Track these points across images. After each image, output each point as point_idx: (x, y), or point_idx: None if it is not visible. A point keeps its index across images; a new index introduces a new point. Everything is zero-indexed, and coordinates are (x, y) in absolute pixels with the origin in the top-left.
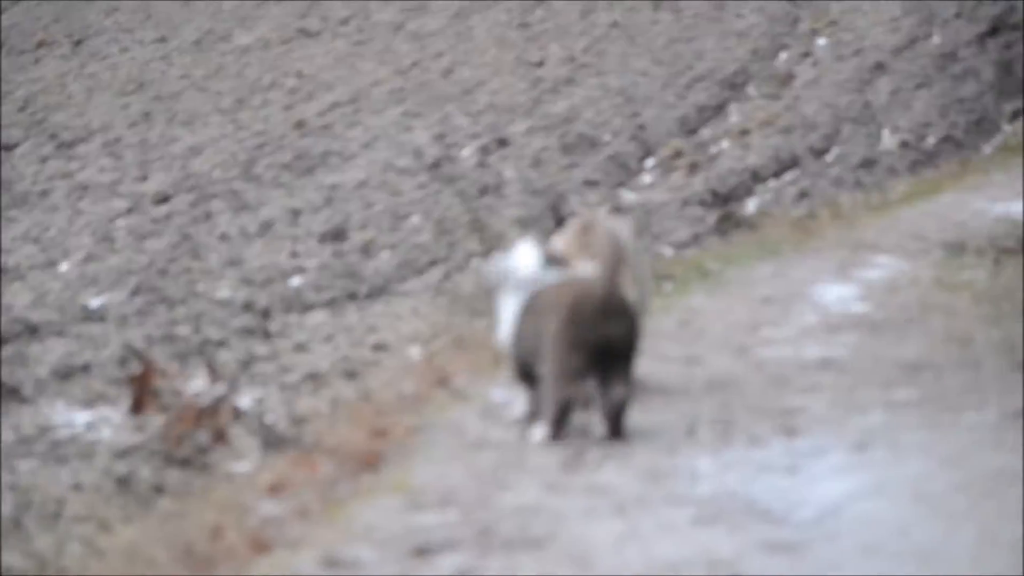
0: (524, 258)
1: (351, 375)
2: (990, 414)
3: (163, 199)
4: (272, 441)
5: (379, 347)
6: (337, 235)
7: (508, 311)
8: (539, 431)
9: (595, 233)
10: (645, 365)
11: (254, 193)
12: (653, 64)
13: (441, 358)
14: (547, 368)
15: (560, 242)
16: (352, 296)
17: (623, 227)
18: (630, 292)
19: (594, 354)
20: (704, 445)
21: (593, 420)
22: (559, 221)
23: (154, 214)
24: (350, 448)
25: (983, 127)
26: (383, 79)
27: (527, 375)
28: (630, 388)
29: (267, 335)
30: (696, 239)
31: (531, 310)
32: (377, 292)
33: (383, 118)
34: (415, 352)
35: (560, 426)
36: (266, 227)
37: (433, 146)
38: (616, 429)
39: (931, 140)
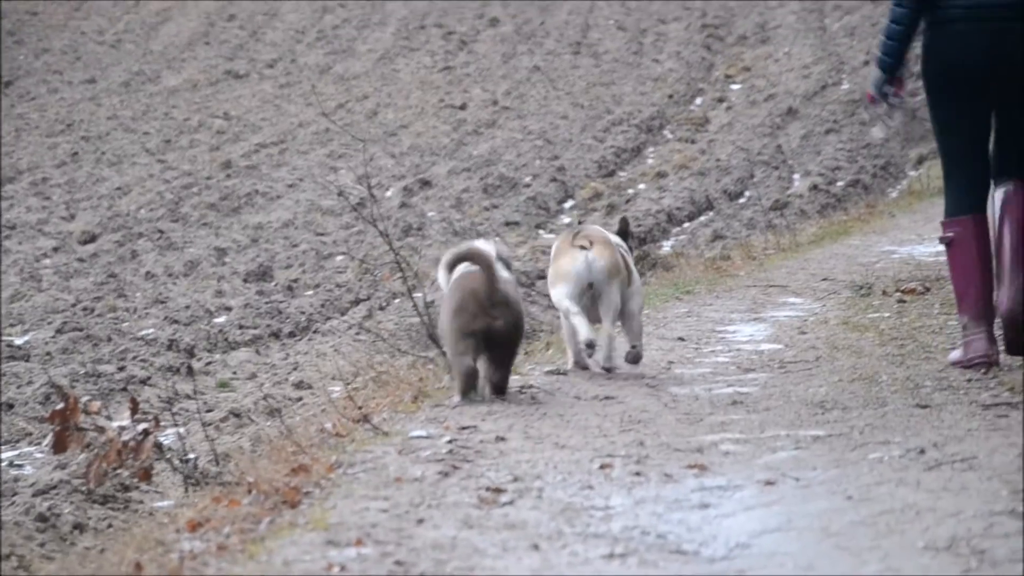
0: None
1: (273, 412)
2: (894, 451)
3: (90, 238)
4: (194, 478)
5: (301, 385)
6: (262, 274)
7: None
8: (454, 399)
9: (585, 234)
10: (563, 402)
11: (180, 233)
12: (573, 108)
13: (362, 395)
14: (447, 349)
15: (563, 241)
16: (276, 334)
17: (610, 231)
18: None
19: (480, 341)
20: (618, 482)
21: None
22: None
23: (80, 253)
24: (271, 485)
25: (889, 172)
26: (309, 121)
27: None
28: (508, 367)
29: (191, 373)
30: None
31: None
32: (300, 330)
33: (309, 159)
34: (336, 389)
35: (465, 394)
36: (192, 266)
37: (357, 186)
38: (500, 390)
39: (840, 184)
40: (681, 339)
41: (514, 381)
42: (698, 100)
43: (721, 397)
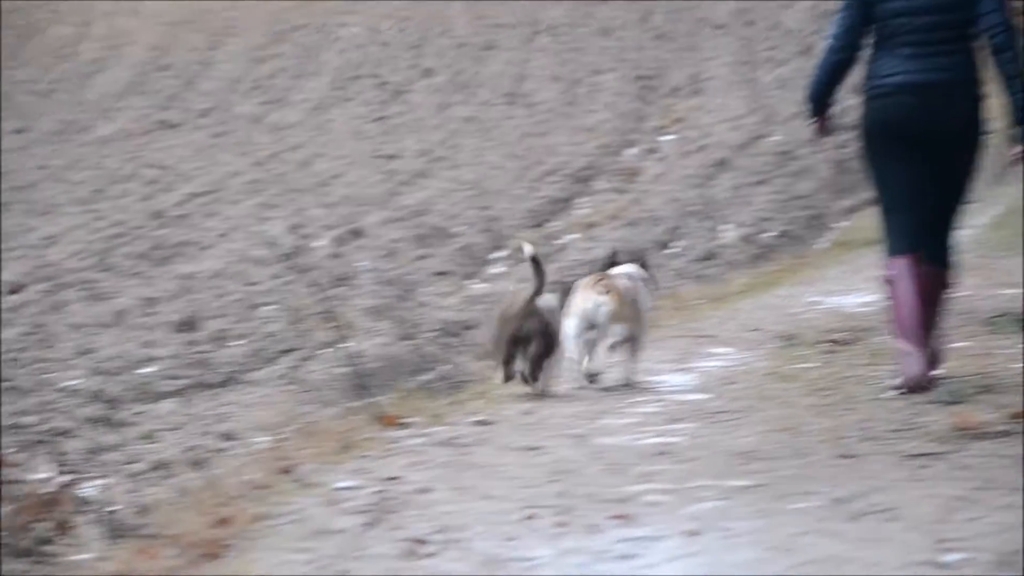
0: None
1: (198, 464)
2: (818, 502)
3: (17, 289)
4: (116, 530)
5: (227, 436)
6: (190, 324)
7: None
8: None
9: (607, 279)
10: (489, 453)
11: (109, 282)
12: (505, 158)
13: (288, 446)
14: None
15: (585, 282)
16: (203, 385)
17: (633, 272)
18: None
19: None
20: (542, 533)
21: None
22: (612, 264)
23: (7, 303)
24: (194, 537)
25: (818, 223)
26: (241, 170)
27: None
28: (536, 358)
29: (116, 424)
30: None
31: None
32: (228, 381)
33: (240, 209)
34: (263, 440)
35: (506, 375)
36: (120, 316)
37: (288, 236)
38: (535, 375)
39: (770, 235)
40: (609, 389)
41: (440, 432)
42: (630, 150)
43: (647, 447)
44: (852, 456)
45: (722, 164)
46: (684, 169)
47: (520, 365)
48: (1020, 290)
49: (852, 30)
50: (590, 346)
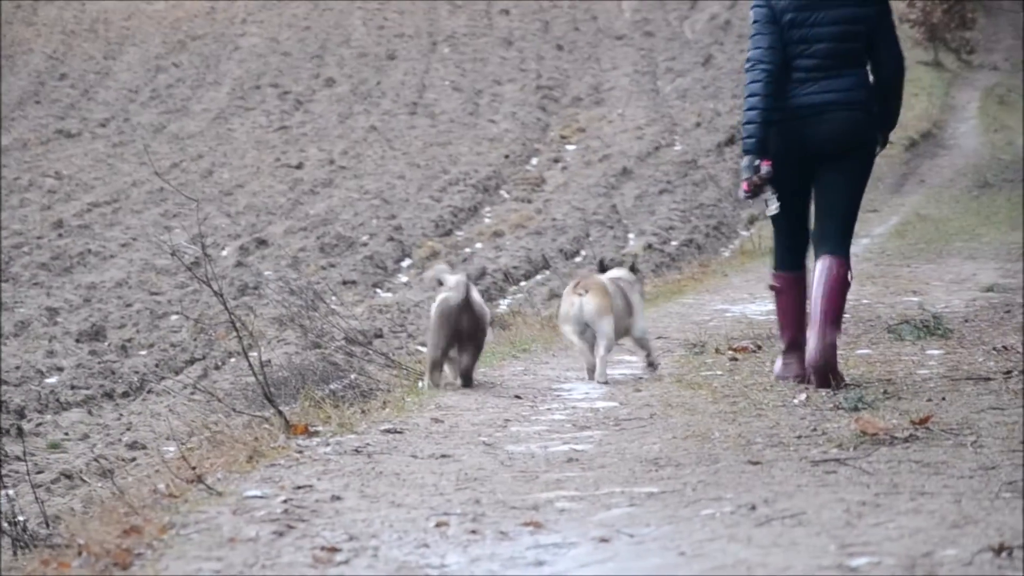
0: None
1: (106, 473)
2: (726, 507)
3: None
4: (22, 541)
5: (135, 445)
6: (95, 334)
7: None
8: (424, 381)
9: (587, 279)
10: (399, 461)
11: (10, 293)
12: (409, 167)
13: (196, 455)
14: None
15: (570, 286)
16: (109, 395)
17: (620, 275)
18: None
19: (452, 336)
20: (453, 540)
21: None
22: (602, 270)
23: None
24: (102, 547)
25: (722, 231)
26: (143, 180)
27: None
28: (474, 358)
29: (21, 434)
30: None
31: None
32: (134, 390)
33: (142, 218)
34: (171, 450)
35: (434, 368)
36: (22, 327)
37: (192, 246)
38: (467, 383)
39: (674, 244)
40: (518, 397)
41: (350, 440)
42: (534, 160)
43: (557, 455)
44: (759, 462)
45: (625, 173)
46: (588, 178)
47: (452, 364)
48: (920, 298)
49: (777, 45)
50: (589, 340)
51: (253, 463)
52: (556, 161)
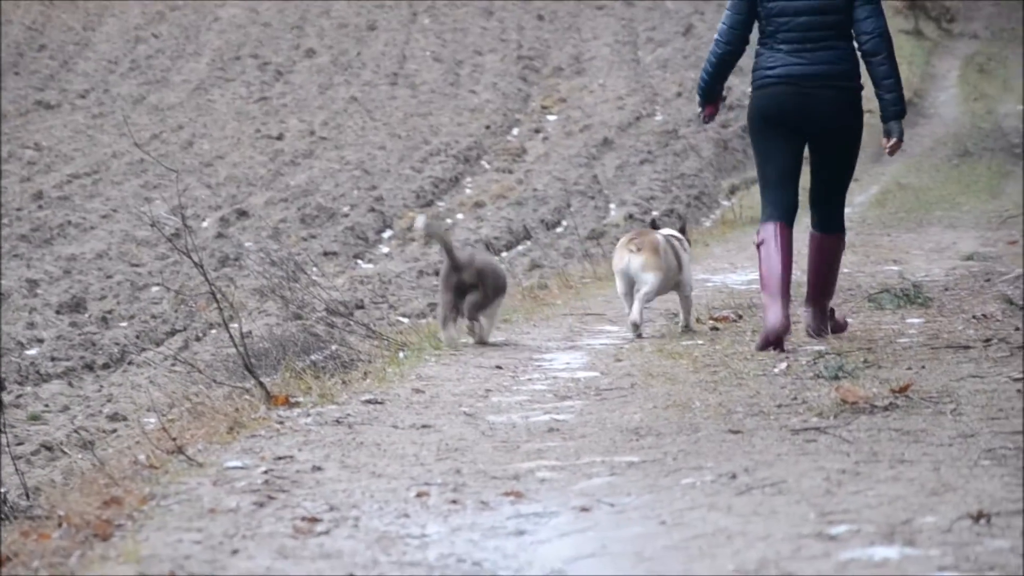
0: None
1: (86, 445)
2: (707, 476)
3: None
4: (2, 513)
5: (115, 417)
6: (75, 306)
7: None
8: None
9: (642, 235)
10: (380, 431)
11: None
12: (390, 138)
13: (177, 427)
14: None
15: (624, 239)
16: (89, 367)
17: (669, 233)
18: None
19: (456, 287)
20: (434, 510)
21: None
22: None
23: None
24: (82, 518)
25: (703, 201)
26: (123, 151)
27: None
28: (480, 297)
29: (1, 406)
30: (431, 308)
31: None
32: (115, 362)
33: (122, 190)
34: (151, 421)
35: (444, 323)
36: (3, 298)
37: (173, 217)
38: (472, 316)
39: (655, 214)
40: (499, 367)
41: (331, 411)
42: (515, 131)
43: (538, 425)
44: (739, 431)
45: (606, 144)
46: (569, 149)
47: (472, 300)
48: (901, 267)
49: (738, 26)
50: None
51: (234, 434)
52: (537, 131)
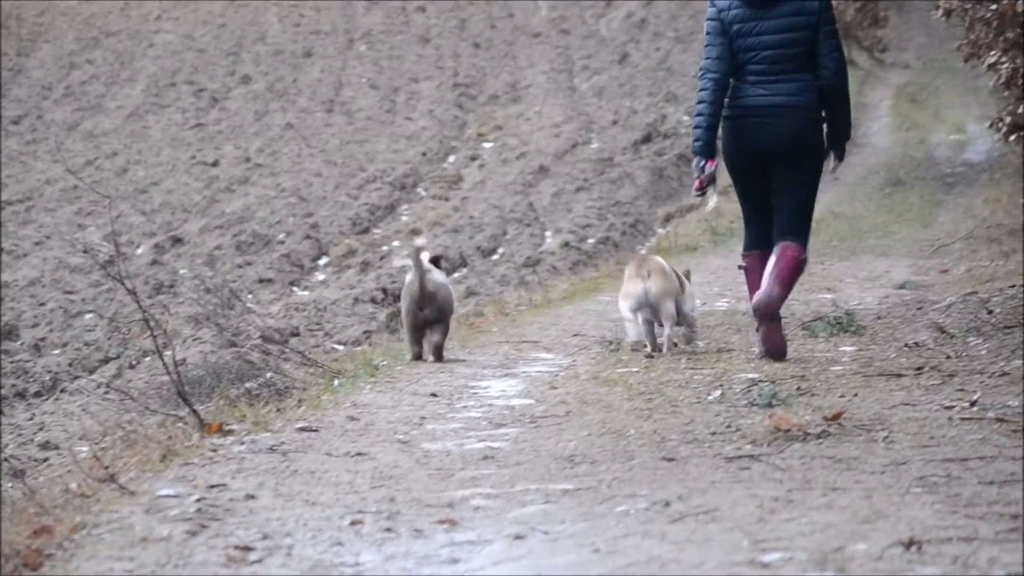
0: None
1: (17, 474)
2: (641, 504)
3: None
4: None
5: (47, 445)
6: (8, 333)
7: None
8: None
9: (648, 261)
10: (314, 459)
11: None
12: (326, 165)
13: (109, 455)
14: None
15: (630, 268)
16: (21, 395)
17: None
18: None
19: (421, 324)
20: (368, 538)
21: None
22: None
23: None
24: (11, 547)
25: (638, 229)
26: (56, 177)
27: None
28: (442, 336)
29: None
30: (367, 335)
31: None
32: (47, 390)
33: (56, 216)
34: (84, 450)
35: (411, 347)
36: None
37: (106, 244)
38: (438, 358)
39: (591, 241)
40: (434, 395)
41: (265, 439)
42: (451, 158)
43: (472, 452)
44: (673, 459)
45: (542, 171)
46: (505, 176)
47: (426, 345)
48: (834, 295)
49: (724, 56)
50: (645, 323)
51: (167, 462)
52: (473, 159)
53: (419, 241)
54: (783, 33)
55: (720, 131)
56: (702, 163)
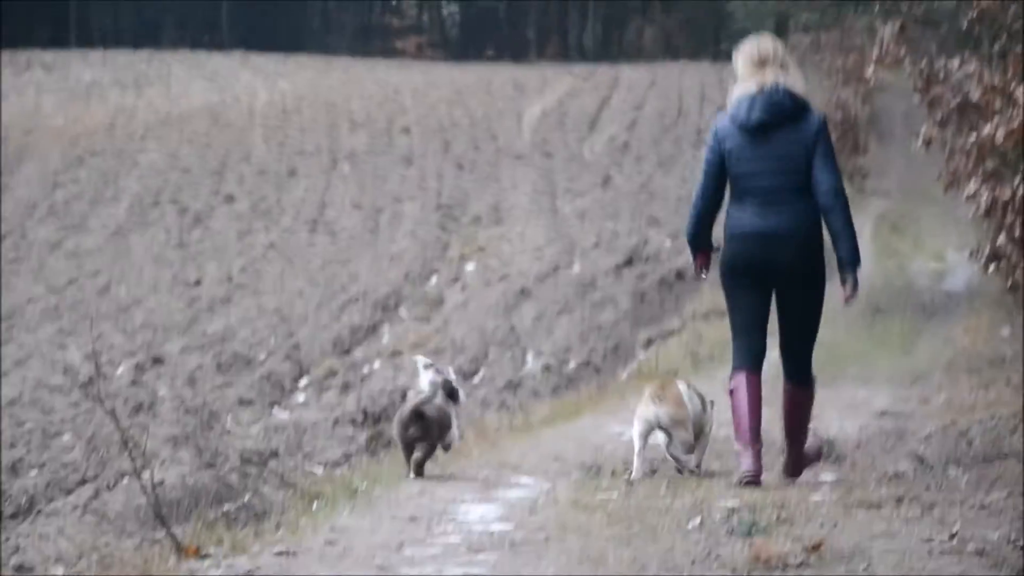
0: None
1: None
2: None
3: None
4: None
5: (21, 568)
6: None
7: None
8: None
9: (669, 386)
10: None
11: None
12: (309, 285)
13: None
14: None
15: (647, 390)
16: None
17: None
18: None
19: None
20: None
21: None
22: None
23: None
24: None
25: (620, 353)
26: (37, 296)
27: None
28: (425, 452)
29: None
30: (346, 458)
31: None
32: (24, 512)
33: (37, 335)
34: (59, 573)
35: (413, 471)
36: None
37: (86, 364)
38: (419, 472)
39: (572, 365)
40: (413, 519)
41: (241, 563)
42: (433, 279)
43: None
44: None
45: (524, 293)
46: (487, 298)
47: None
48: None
49: (714, 182)
50: (649, 443)
51: None
52: (455, 280)
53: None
54: (781, 161)
55: (721, 251)
56: (694, 262)
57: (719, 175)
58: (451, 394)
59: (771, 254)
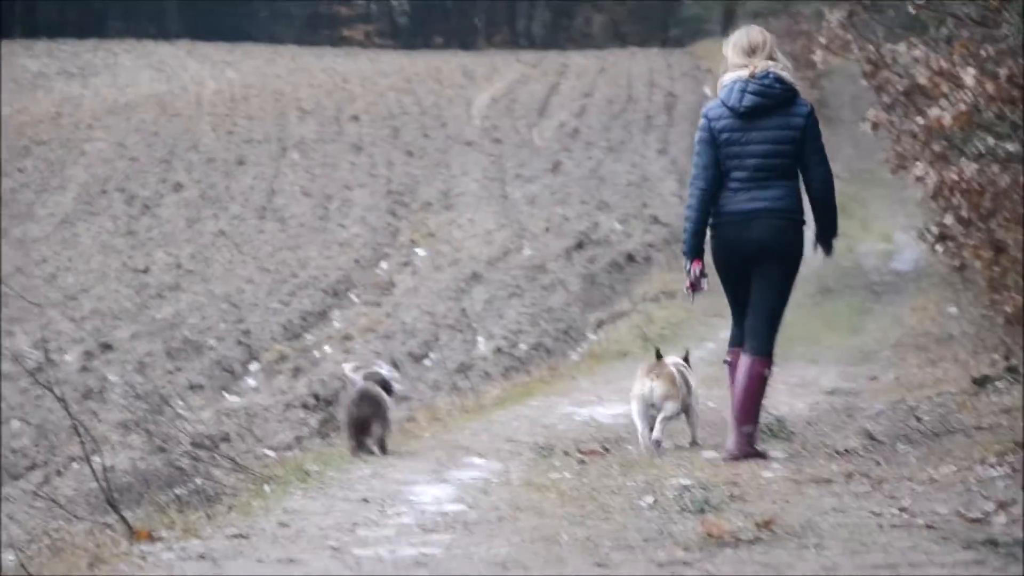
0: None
1: None
2: None
3: None
4: None
5: None
6: None
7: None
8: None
9: (656, 367)
10: (244, 566)
11: None
12: (259, 271)
13: (36, 563)
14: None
15: (641, 370)
16: None
17: (678, 361)
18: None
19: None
20: None
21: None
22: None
23: None
24: None
25: (570, 335)
26: None
27: None
28: (384, 429)
29: None
30: (298, 441)
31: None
32: None
33: None
34: (10, 558)
35: (354, 450)
36: None
37: (35, 351)
38: (383, 450)
39: (523, 347)
40: (365, 500)
41: (194, 546)
42: (384, 264)
43: (404, 559)
44: (606, 565)
45: (475, 278)
46: (437, 283)
47: (368, 442)
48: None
49: (711, 165)
50: (650, 420)
51: (94, 570)
52: (406, 265)
53: (347, 366)
54: (769, 144)
55: (708, 236)
56: (688, 265)
57: (714, 155)
58: (384, 386)
59: (750, 229)
